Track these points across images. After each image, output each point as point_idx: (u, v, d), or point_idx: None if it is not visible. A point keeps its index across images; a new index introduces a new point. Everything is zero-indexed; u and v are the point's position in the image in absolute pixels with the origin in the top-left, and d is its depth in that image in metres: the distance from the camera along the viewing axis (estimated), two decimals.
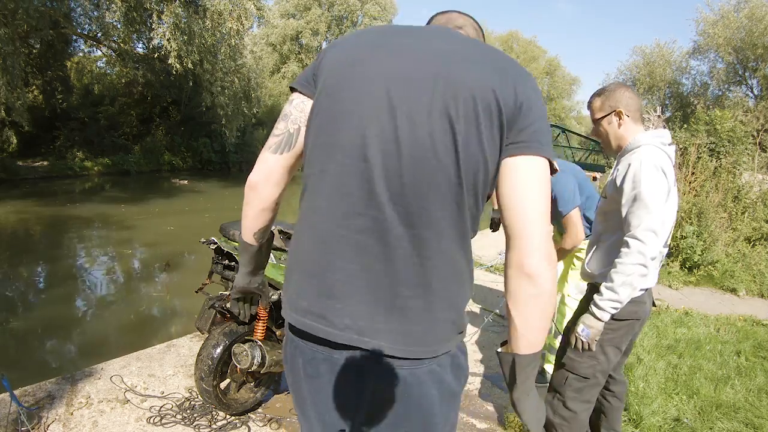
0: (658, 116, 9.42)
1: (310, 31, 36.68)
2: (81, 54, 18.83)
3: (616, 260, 1.70)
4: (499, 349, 1.07)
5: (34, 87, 16.65)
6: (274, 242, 2.40)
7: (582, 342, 1.80)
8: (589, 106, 2.00)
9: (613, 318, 1.79)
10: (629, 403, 2.71)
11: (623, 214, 1.75)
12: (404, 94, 0.94)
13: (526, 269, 0.92)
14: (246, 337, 2.40)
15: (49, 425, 2.33)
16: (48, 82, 16.79)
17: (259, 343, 2.31)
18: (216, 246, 2.47)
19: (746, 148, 7.74)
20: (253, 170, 1.13)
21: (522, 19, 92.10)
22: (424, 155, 0.92)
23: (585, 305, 1.89)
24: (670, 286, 5.69)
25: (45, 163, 15.77)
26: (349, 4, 36.67)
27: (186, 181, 17.48)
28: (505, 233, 0.97)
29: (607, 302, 1.72)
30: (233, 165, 21.91)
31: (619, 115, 1.87)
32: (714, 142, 7.25)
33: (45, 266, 7.92)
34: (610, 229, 1.88)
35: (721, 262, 6.06)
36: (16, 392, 2.48)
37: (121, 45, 15.01)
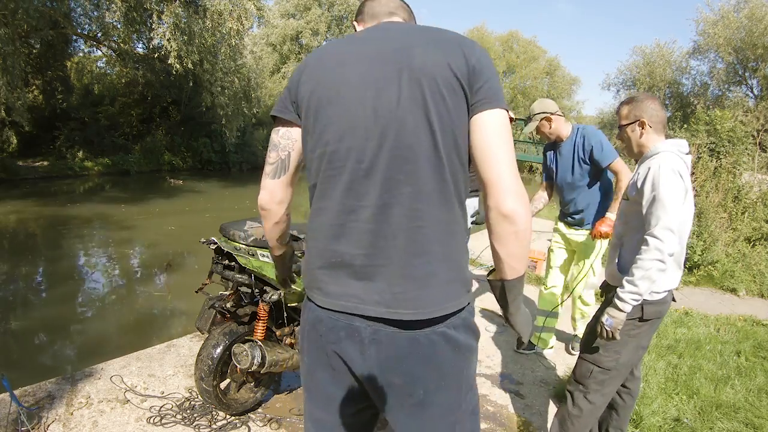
0: None
1: (310, 31, 36.68)
2: (81, 54, 18.81)
3: (637, 257, 1.85)
4: (489, 278, 1.22)
5: (34, 87, 16.65)
6: None
7: (606, 331, 1.93)
8: (618, 111, 2.12)
9: (640, 319, 1.97)
10: None
11: (644, 214, 1.89)
12: (377, 95, 1.09)
13: (503, 211, 1.06)
14: (246, 337, 2.40)
15: (49, 425, 2.32)
16: (48, 82, 16.80)
17: (259, 343, 2.31)
18: (216, 246, 2.46)
19: (746, 148, 7.74)
20: (259, 194, 1.32)
21: (522, 19, 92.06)
22: (407, 143, 1.07)
23: (609, 300, 2.02)
24: None
25: (45, 163, 15.77)
26: (349, 3, 36.66)
27: (181, 181, 17.48)
28: (481, 183, 1.10)
29: (628, 294, 1.86)
30: (233, 165, 21.90)
31: (642, 125, 2.00)
32: (714, 142, 7.25)
33: (45, 266, 7.92)
34: (632, 231, 2.02)
35: (721, 262, 6.05)
36: (17, 392, 2.48)
37: (121, 45, 15.01)
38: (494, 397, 2.99)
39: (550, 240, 3.67)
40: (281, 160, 1.26)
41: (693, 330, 3.99)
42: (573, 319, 3.64)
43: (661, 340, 3.75)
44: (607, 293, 2.17)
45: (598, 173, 3.15)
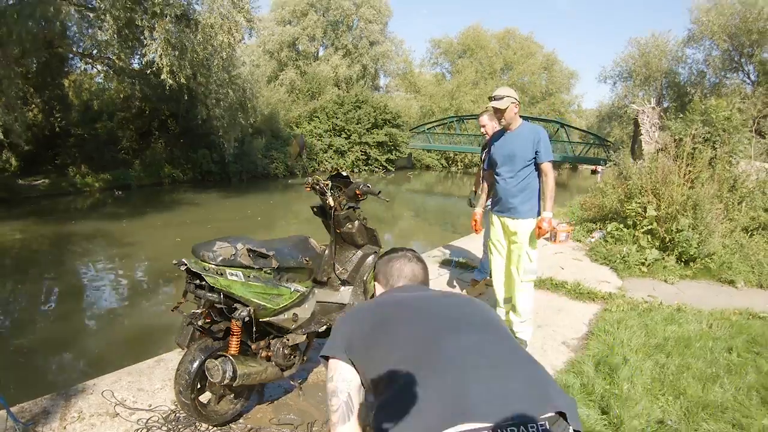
0: (653, 108, 9.38)
1: (307, 37, 36.85)
2: (78, 71, 18.92)
3: None
4: None
5: (33, 105, 16.79)
6: (242, 260, 2.49)
7: None
8: None
9: None
10: (610, 407, 2.68)
11: None
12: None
13: None
14: (218, 352, 2.46)
15: None
16: (46, 102, 16.93)
17: (230, 357, 2.38)
18: (186, 267, 2.48)
19: (744, 137, 7.64)
20: None
21: (518, 15, 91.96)
22: None
23: None
24: (665, 281, 5.62)
25: (46, 180, 15.82)
26: (344, 8, 36.77)
27: (121, 192, 17.45)
28: None
29: None
30: (233, 175, 21.95)
31: None
32: (709, 132, 7.17)
33: (45, 284, 7.99)
34: None
35: (717, 253, 5.98)
36: (14, 409, 2.58)
37: (116, 61, 15.10)
38: None
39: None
40: (345, 403, 1.34)
41: (684, 327, 3.92)
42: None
43: (649, 338, 3.69)
44: None
45: (533, 168, 3.56)
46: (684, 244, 5.92)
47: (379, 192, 3.32)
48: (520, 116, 3.60)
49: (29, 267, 9.08)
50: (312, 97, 32.37)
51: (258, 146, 23.34)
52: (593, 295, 4.97)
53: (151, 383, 3.01)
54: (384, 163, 31.03)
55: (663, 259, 6.03)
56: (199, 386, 2.47)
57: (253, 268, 2.53)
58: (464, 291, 4.95)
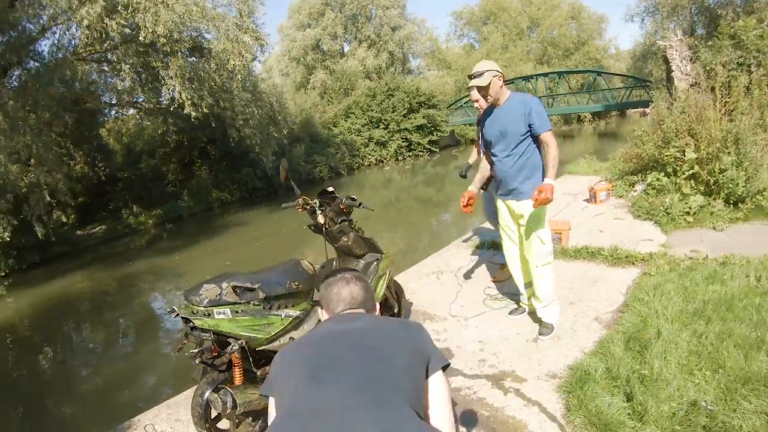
0: (680, 40, 8.64)
1: (329, 36, 37.08)
2: (111, 119, 19.91)
3: None
4: None
5: (78, 159, 17.83)
6: (228, 297, 2.62)
7: None
8: None
9: None
10: (633, 392, 2.46)
11: None
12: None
13: None
14: (219, 385, 2.62)
15: None
16: (87, 154, 17.87)
17: (229, 390, 2.49)
18: (176, 315, 2.62)
19: None
20: None
21: None
22: None
23: None
24: (714, 228, 5.18)
25: (103, 226, 16.65)
26: (359, 0, 36.60)
27: (171, 225, 18.07)
28: None
29: None
30: (279, 187, 22.37)
31: None
32: (742, 56, 6.52)
33: (101, 327, 8.69)
34: None
35: None
36: None
37: (144, 105, 15.74)
38: (491, 399, 2.84)
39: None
40: None
41: (727, 285, 3.53)
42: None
43: (687, 304, 3.36)
44: None
45: (530, 142, 3.24)
46: (730, 185, 5.43)
47: (360, 204, 3.34)
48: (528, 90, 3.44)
49: (82, 314, 9.78)
50: (346, 93, 32.43)
51: (298, 153, 23.67)
52: (632, 258, 4.62)
53: (187, 414, 3.12)
54: (427, 146, 30.64)
55: (709, 204, 5.55)
56: (215, 415, 2.65)
57: (240, 303, 2.67)
58: (495, 275, 4.77)
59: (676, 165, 6.10)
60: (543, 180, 3.20)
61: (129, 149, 21.63)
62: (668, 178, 6.24)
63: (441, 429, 1.33)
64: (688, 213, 5.52)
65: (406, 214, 16.43)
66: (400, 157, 29.48)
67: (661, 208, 5.75)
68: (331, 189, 3.36)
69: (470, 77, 3.27)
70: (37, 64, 13.31)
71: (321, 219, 3.21)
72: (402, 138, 29.79)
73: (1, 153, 10.26)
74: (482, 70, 3.18)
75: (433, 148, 31.03)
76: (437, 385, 1.40)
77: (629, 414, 2.38)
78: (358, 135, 28.61)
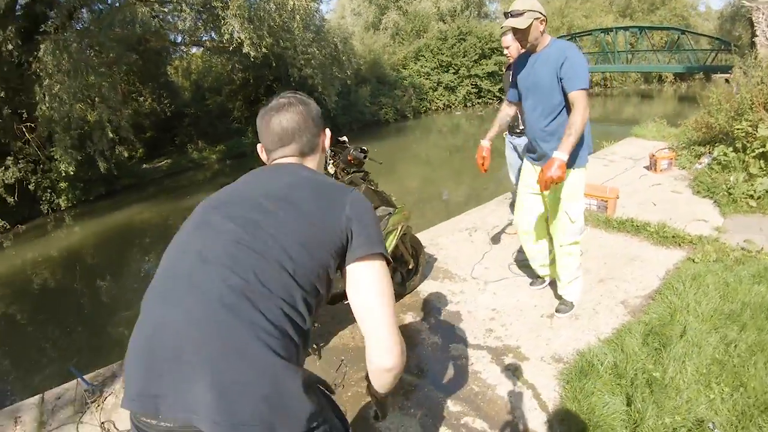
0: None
1: None
2: (179, 56, 20.41)
3: None
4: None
5: (146, 95, 18.59)
6: None
7: None
8: None
9: None
10: (635, 397, 2.32)
11: None
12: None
13: (386, 366, 1.17)
14: None
15: (106, 398, 2.81)
16: (153, 91, 18.56)
17: None
18: None
19: None
20: None
21: None
22: None
23: None
24: None
25: (169, 161, 17.45)
26: None
27: (230, 161, 18.30)
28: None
29: None
30: (343, 126, 22.42)
31: None
32: None
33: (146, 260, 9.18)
34: None
35: None
36: (89, 376, 3.02)
37: (208, 43, 15.94)
38: (486, 374, 2.74)
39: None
40: None
41: None
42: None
43: (725, 303, 3.05)
44: None
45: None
46: None
47: (365, 156, 3.21)
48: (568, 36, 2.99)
49: (150, 242, 10.39)
50: (417, 35, 31.46)
51: (364, 95, 23.55)
52: (679, 239, 4.26)
53: None
54: (497, 94, 29.52)
55: None
56: None
57: None
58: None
59: (747, 141, 5.52)
60: (579, 150, 2.76)
61: (197, 86, 22.20)
62: (736, 153, 5.68)
63: (364, 332, 1.18)
64: (751, 196, 5.01)
65: (473, 162, 15.87)
66: (468, 104, 28.69)
67: (724, 187, 5.26)
68: (343, 138, 3.24)
69: (506, 15, 2.71)
70: (101, 6, 13.74)
71: (330, 169, 3.15)
72: (471, 84, 28.83)
73: (67, 92, 10.82)
74: (523, 9, 2.63)
75: (503, 96, 29.73)
76: (358, 275, 1.19)
77: (623, 420, 2.22)
78: (427, 78, 27.95)
